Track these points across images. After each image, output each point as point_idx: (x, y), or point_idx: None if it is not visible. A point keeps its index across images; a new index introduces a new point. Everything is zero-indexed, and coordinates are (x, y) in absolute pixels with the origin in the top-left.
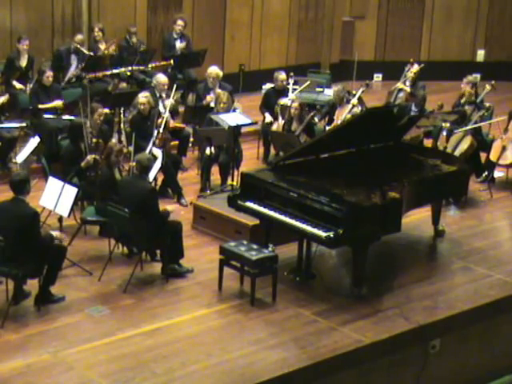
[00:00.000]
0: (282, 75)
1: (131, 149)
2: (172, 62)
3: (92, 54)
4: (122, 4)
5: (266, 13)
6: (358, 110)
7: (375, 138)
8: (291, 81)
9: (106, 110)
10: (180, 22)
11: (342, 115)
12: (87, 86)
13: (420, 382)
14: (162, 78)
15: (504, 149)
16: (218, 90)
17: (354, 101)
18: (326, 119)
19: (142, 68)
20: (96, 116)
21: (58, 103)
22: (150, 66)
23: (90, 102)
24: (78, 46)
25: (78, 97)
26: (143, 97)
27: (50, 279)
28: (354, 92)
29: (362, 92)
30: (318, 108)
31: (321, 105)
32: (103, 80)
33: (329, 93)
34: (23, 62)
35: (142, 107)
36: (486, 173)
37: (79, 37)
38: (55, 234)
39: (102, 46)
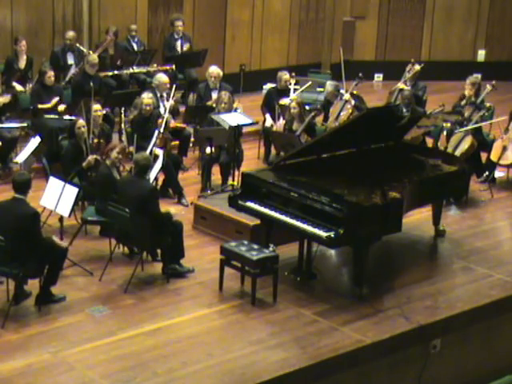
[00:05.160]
0: (287, 75)
1: (132, 149)
2: (174, 66)
3: (91, 51)
4: (123, 4)
5: (266, 13)
6: (350, 105)
7: (376, 137)
8: (292, 81)
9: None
10: (179, 23)
11: (335, 112)
12: (92, 86)
13: (421, 382)
14: (163, 78)
15: (504, 149)
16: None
17: (346, 96)
18: (322, 116)
19: (144, 70)
20: (114, 154)
21: (57, 104)
22: (151, 68)
23: (91, 101)
24: (77, 44)
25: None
26: (149, 98)
27: (51, 279)
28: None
29: (356, 86)
30: (318, 108)
31: (321, 105)
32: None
33: None
34: (22, 64)
35: (147, 108)
36: (487, 173)
37: (70, 33)
38: (57, 241)
39: (111, 50)
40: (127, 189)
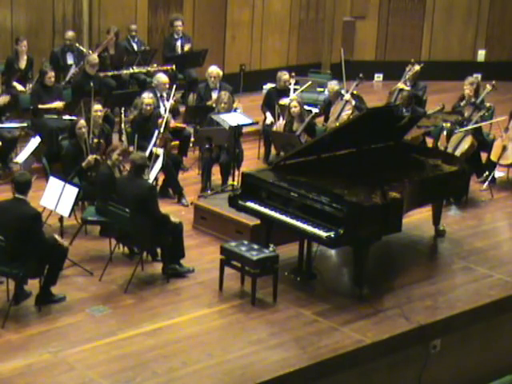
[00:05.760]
0: (286, 76)
1: (132, 149)
2: (174, 66)
3: (90, 51)
4: (123, 4)
5: (266, 13)
6: (351, 106)
7: (376, 137)
8: (292, 81)
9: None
10: (178, 23)
11: (336, 112)
12: (92, 86)
13: (421, 382)
14: (163, 78)
15: (504, 148)
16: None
17: (347, 96)
18: (323, 116)
19: (143, 70)
20: (115, 155)
21: (58, 104)
22: (151, 68)
23: (91, 101)
24: (77, 44)
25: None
26: (149, 98)
27: (51, 279)
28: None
29: (357, 86)
30: (319, 108)
31: (321, 106)
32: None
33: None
34: (22, 64)
35: (148, 108)
36: (487, 173)
37: (70, 33)
38: (59, 238)
39: (111, 50)
40: (125, 188)
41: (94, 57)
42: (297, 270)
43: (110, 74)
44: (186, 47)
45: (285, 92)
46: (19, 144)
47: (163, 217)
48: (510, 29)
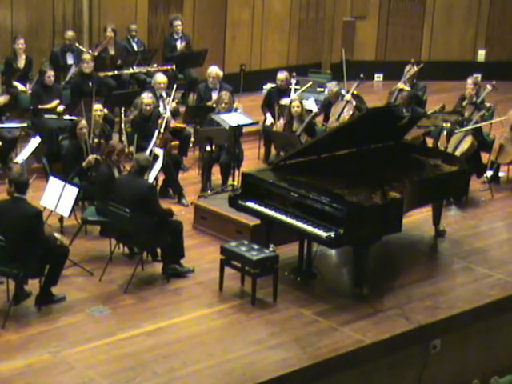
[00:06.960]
0: (281, 75)
1: (132, 149)
2: (174, 66)
3: (90, 51)
4: (123, 4)
5: (266, 13)
6: (351, 106)
7: (376, 137)
8: (293, 81)
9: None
10: (178, 23)
11: (336, 112)
12: (92, 85)
13: (421, 382)
14: (159, 78)
15: (502, 147)
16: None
17: (348, 96)
18: (323, 116)
19: (143, 70)
20: (114, 156)
21: (58, 105)
22: (151, 68)
23: (91, 101)
24: (77, 44)
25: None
26: (149, 98)
27: (52, 279)
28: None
29: (357, 86)
30: (318, 108)
31: (321, 105)
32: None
33: None
34: (21, 63)
35: (147, 108)
36: (491, 172)
37: (69, 33)
38: (59, 236)
39: (111, 50)
40: (124, 188)
41: (86, 54)
42: (297, 270)
43: (110, 74)
44: (181, 45)
45: (285, 92)
46: (19, 144)
47: (165, 214)
48: (510, 29)
